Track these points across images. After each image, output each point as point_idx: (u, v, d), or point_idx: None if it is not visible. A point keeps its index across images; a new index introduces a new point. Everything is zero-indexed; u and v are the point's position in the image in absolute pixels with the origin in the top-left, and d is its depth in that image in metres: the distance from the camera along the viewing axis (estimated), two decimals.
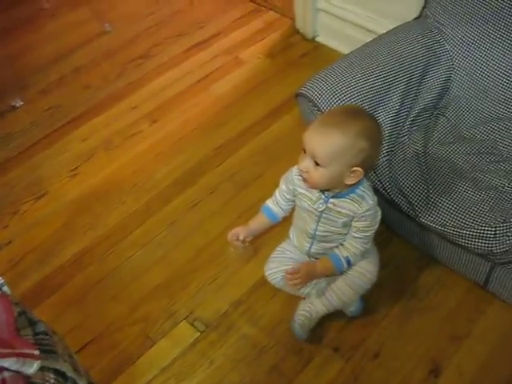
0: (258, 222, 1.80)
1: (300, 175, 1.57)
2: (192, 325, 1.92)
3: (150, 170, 2.45)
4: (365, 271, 1.74)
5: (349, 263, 1.68)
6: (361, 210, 1.58)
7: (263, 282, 1.97)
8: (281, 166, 2.36)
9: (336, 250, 1.68)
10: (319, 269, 1.68)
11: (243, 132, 2.59)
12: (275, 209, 1.76)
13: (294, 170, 1.66)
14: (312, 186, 1.56)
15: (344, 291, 1.74)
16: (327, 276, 1.75)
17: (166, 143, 2.57)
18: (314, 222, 1.65)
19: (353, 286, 1.74)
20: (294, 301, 1.93)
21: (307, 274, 1.66)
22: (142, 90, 2.86)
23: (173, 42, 3.14)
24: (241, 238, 1.78)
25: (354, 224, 1.62)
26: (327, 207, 1.60)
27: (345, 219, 1.61)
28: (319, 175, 1.49)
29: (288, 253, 1.84)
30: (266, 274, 1.85)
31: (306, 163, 1.50)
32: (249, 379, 1.80)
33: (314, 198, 1.61)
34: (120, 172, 2.46)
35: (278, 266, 1.83)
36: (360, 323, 1.90)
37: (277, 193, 1.75)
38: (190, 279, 2.05)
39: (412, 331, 1.87)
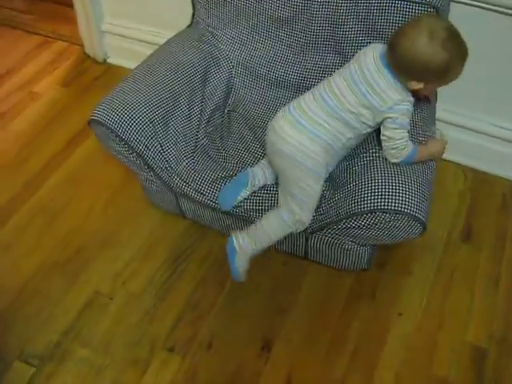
0: None
1: None
2: (25, 362, 1.89)
3: None
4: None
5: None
6: None
7: (87, 304, 2.02)
8: (87, 189, 2.41)
9: None
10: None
11: (46, 164, 2.57)
12: None
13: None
14: None
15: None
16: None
17: None
18: None
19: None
20: (122, 315, 1.99)
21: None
22: None
23: None
24: None
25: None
26: None
27: None
28: None
29: None
30: None
31: None
32: None
33: None
34: None
35: None
36: (189, 319, 1.98)
37: None
38: (13, 319, 2.01)
39: (239, 316, 1.97)
